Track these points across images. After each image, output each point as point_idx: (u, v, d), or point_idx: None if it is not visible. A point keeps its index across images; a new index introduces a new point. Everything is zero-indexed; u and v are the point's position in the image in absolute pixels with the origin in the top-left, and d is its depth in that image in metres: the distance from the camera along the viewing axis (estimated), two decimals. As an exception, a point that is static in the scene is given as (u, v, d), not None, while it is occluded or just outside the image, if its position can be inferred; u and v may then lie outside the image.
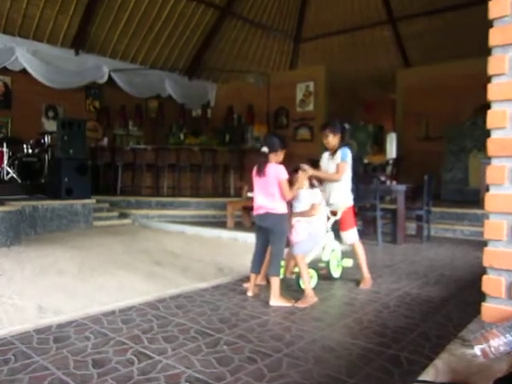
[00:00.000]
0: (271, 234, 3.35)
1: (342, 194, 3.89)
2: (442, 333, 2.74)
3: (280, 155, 3.43)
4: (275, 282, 3.29)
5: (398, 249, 5.87)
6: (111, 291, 3.60)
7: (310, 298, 3.31)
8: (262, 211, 3.37)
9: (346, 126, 4.00)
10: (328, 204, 3.89)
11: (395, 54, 11.60)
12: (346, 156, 3.83)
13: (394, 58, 11.62)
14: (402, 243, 6.12)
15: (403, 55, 11.51)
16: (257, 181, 3.41)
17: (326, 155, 4.04)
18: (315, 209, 3.57)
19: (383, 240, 6.07)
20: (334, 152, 3.91)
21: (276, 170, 3.31)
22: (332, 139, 3.86)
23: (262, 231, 3.44)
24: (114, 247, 5.69)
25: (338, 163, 3.83)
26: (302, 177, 3.57)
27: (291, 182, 3.47)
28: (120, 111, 10.80)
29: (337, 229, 3.99)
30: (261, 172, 3.34)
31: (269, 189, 3.33)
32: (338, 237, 4.02)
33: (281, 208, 3.35)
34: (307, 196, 3.60)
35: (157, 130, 11.51)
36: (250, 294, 3.48)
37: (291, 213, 3.58)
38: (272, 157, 3.36)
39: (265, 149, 3.36)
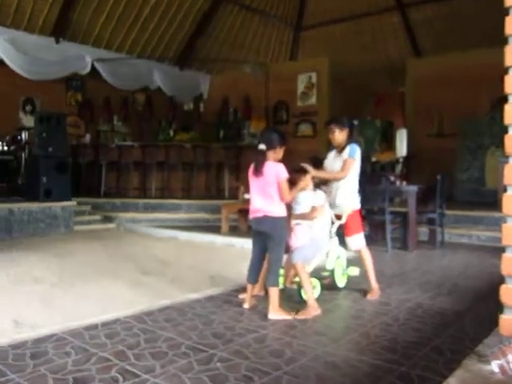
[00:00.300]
0: (269, 239, 3.35)
1: (348, 195, 3.88)
2: (457, 347, 2.74)
3: (279, 152, 3.42)
4: (274, 293, 3.28)
5: (409, 256, 5.87)
6: (93, 302, 3.59)
7: (313, 309, 3.31)
8: (259, 214, 3.36)
9: (355, 122, 4.01)
10: (333, 206, 3.88)
11: (405, 42, 11.61)
12: (354, 153, 3.83)
13: (403, 47, 11.63)
14: (413, 250, 6.12)
15: (413, 44, 11.52)
16: (254, 181, 3.41)
17: (332, 154, 4.04)
18: (316, 211, 3.57)
19: (392, 246, 6.07)
20: (341, 149, 3.91)
21: (275, 169, 3.31)
22: (338, 135, 3.86)
23: (260, 236, 3.44)
24: (96, 254, 5.67)
25: (345, 159, 3.83)
26: (307, 179, 3.56)
27: (292, 183, 3.48)
28: (104, 105, 10.78)
29: (342, 234, 3.99)
30: (258, 172, 3.33)
31: (267, 190, 3.32)
32: (343, 243, 4.02)
33: (280, 211, 3.34)
34: (308, 198, 3.60)
35: (144, 125, 11.49)
36: (246, 305, 3.48)
37: (290, 215, 3.57)
38: (270, 154, 3.36)
39: (262, 146, 3.35)
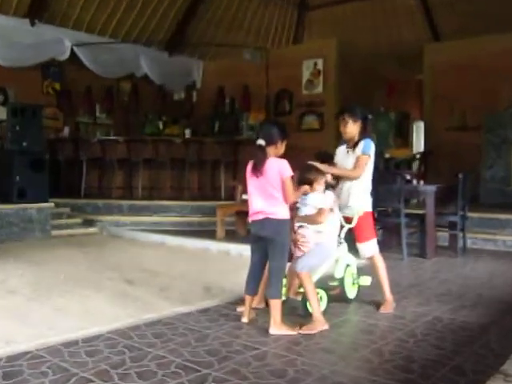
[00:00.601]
0: (271, 245, 3.35)
1: (361, 196, 3.88)
2: (480, 366, 2.74)
3: (280, 148, 3.43)
4: (276, 306, 3.28)
5: (427, 264, 5.88)
6: (73, 316, 3.59)
7: (319, 323, 3.32)
8: (260, 217, 3.36)
9: (369, 116, 4.02)
10: (343, 208, 3.89)
11: (422, 25, 11.62)
12: (368, 149, 3.82)
13: (420, 30, 11.64)
14: (432, 257, 6.13)
15: (432, 27, 11.53)
16: (253, 181, 3.40)
17: (342, 149, 4.03)
18: (322, 214, 3.56)
19: (408, 253, 6.08)
20: (353, 144, 3.90)
21: (278, 166, 3.30)
22: (351, 127, 3.86)
23: (260, 242, 3.44)
24: (76, 262, 5.68)
25: (358, 156, 3.83)
26: (321, 181, 3.57)
27: (305, 183, 3.49)
28: (85, 95, 10.77)
29: (351, 239, 3.99)
30: (258, 170, 3.33)
31: (269, 190, 3.33)
32: (352, 249, 4.03)
33: (284, 212, 3.35)
34: (317, 199, 3.59)
35: (130, 117, 11.48)
36: (244, 319, 3.48)
37: (293, 217, 3.57)
38: (271, 150, 3.36)
39: (261, 141, 3.35)
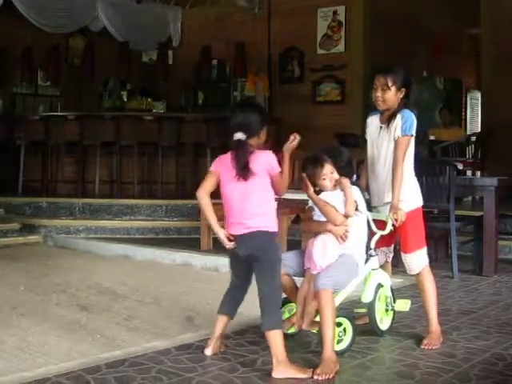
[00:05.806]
0: (257, 264, 3.37)
1: (406, 189, 3.85)
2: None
3: (262, 137, 3.48)
4: (276, 339, 3.24)
5: (486, 283, 5.88)
6: (8, 354, 3.60)
7: (333, 363, 3.29)
8: (245, 230, 3.36)
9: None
10: (379, 207, 3.89)
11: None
12: (410, 127, 3.78)
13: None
14: (492, 274, 6.13)
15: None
16: (234, 186, 3.40)
17: (374, 122, 3.97)
18: (337, 216, 3.58)
19: (460, 269, 6.08)
20: (388, 118, 3.86)
21: (265, 161, 3.34)
22: (392, 94, 3.82)
23: (242, 263, 3.47)
24: (12, 281, 5.68)
25: (398, 139, 3.78)
26: (321, 175, 3.58)
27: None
28: (23, 56, 10.75)
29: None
30: (242, 174, 3.33)
31: (258, 193, 3.36)
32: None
33: (275, 223, 3.44)
34: (328, 197, 3.60)
35: (83, 86, 11.47)
36: (208, 351, 3.51)
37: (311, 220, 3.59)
38: (253, 143, 3.39)
39: (240, 135, 3.36)
